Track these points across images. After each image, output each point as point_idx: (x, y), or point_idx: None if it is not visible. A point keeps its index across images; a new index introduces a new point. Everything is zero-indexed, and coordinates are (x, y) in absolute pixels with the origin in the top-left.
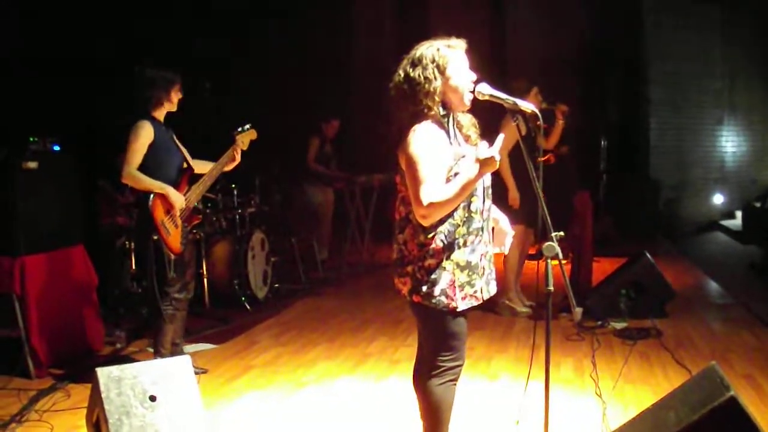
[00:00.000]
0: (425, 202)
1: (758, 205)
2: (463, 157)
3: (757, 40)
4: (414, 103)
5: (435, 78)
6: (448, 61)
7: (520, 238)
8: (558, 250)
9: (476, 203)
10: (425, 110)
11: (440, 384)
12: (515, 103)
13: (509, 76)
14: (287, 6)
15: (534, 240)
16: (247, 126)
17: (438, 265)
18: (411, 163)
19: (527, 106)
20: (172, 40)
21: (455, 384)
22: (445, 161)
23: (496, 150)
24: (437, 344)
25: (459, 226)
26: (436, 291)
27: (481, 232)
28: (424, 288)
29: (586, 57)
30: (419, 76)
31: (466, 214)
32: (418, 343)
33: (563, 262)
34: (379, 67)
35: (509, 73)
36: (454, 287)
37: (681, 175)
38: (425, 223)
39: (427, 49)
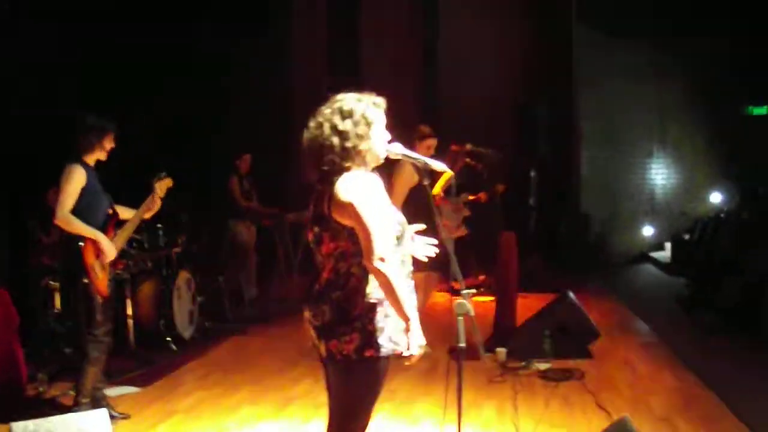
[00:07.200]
0: (379, 255)
1: (687, 237)
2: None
3: (687, 73)
4: (340, 156)
5: (365, 135)
6: (374, 120)
7: (428, 284)
8: (469, 307)
9: (406, 246)
10: (349, 165)
11: None
12: (426, 163)
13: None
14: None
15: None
16: (163, 174)
17: (383, 312)
18: (359, 212)
19: (439, 166)
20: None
21: None
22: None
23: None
24: (363, 403)
25: (397, 269)
26: (384, 339)
27: (410, 275)
28: (376, 338)
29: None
30: (351, 130)
31: (402, 258)
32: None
33: (490, 299)
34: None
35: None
36: (398, 332)
37: (611, 208)
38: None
39: (356, 104)
